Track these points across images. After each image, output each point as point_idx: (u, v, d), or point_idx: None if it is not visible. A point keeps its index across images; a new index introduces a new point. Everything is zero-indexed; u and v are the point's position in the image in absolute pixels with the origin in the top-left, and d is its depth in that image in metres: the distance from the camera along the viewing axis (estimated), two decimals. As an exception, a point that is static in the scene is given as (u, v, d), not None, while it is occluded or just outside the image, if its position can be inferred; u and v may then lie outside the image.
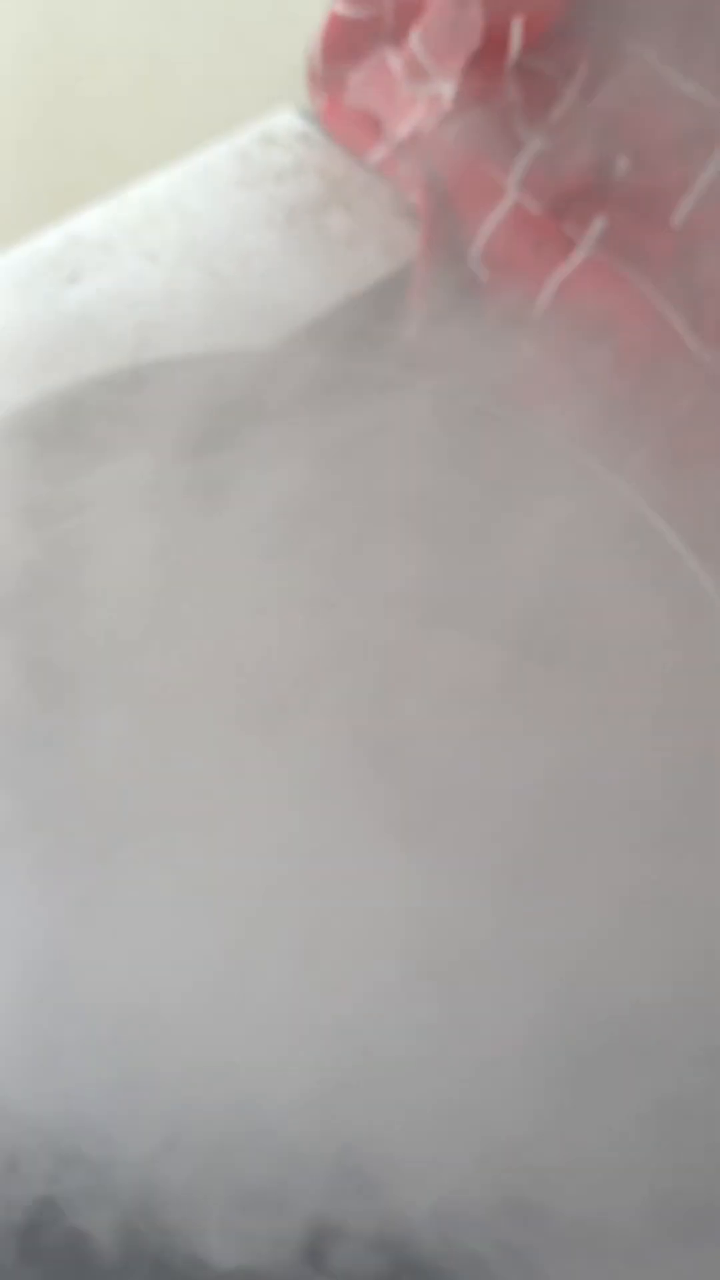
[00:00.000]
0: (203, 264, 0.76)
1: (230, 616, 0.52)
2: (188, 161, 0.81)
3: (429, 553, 0.61)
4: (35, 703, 0.47)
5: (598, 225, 0.67)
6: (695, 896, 0.42)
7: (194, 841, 0.42)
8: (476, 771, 0.45)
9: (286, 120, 0.85)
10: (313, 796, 0.43)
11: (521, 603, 0.59)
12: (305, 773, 0.44)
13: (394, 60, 0.74)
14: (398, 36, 0.74)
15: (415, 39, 0.63)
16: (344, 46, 0.76)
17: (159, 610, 0.52)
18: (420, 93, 0.66)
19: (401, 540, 0.61)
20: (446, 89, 0.63)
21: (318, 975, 0.39)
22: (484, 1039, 0.38)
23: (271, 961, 0.40)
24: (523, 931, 0.40)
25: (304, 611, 0.52)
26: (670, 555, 0.55)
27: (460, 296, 0.79)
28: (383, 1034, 0.39)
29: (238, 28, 1.02)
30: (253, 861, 0.42)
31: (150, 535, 0.53)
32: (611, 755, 0.46)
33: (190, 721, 0.46)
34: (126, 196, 0.79)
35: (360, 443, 0.60)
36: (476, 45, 0.59)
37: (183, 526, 0.54)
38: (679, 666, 0.54)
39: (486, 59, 0.60)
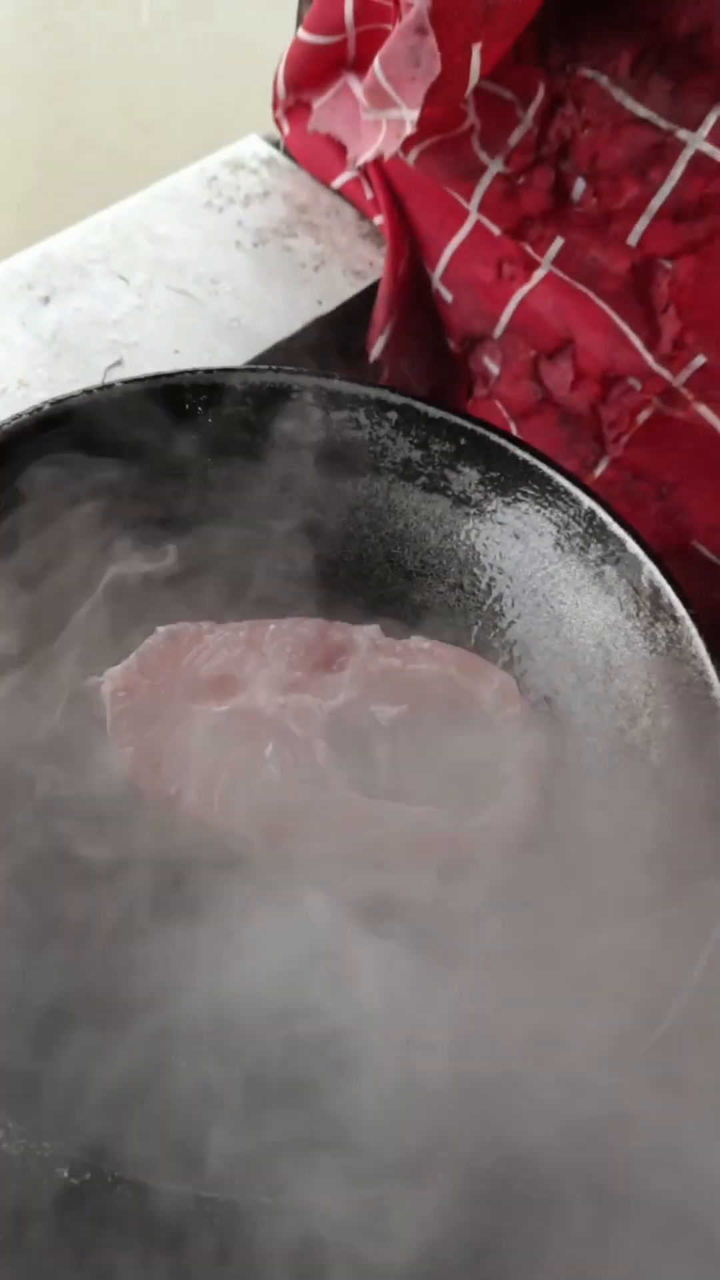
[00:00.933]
0: (173, 285, 0.77)
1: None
2: (158, 186, 0.83)
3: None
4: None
5: (557, 245, 0.69)
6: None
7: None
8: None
9: (253, 146, 0.87)
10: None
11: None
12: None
13: (357, 86, 0.76)
14: (360, 63, 0.76)
15: (377, 66, 0.65)
16: (308, 73, 0.78)
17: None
18: (383, 118, 0.68)
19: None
20: (409, 115, 0.65)
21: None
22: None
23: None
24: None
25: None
26: (630, 560, 0.57)
27: (424, 316, 0.81)
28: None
29: (207, 55, 1.04)
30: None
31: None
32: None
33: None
34: (98, 220, 0.80)
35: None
36: (437, 72, 0.61)
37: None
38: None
39: (447, 85, 0.62)
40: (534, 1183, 0.41)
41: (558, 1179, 0.41)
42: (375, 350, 0.80)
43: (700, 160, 0.60)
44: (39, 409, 0.57)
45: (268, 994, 0.46)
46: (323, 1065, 0.45)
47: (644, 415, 0.71)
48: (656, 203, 0.63)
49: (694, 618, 0.54)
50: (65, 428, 0.57)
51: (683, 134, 0.60)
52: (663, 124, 0.60)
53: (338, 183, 0.84)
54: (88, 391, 0.58)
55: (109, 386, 0.59)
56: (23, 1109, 0.41)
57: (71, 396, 0.58)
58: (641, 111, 0.61)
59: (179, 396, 0.60)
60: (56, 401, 0.58)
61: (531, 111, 0.65)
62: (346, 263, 0.81)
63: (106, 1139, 0.41)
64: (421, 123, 0.64)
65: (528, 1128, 0.41)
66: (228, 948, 0.48)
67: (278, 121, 0.84)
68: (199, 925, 0.50)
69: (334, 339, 0.80)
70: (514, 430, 0.78)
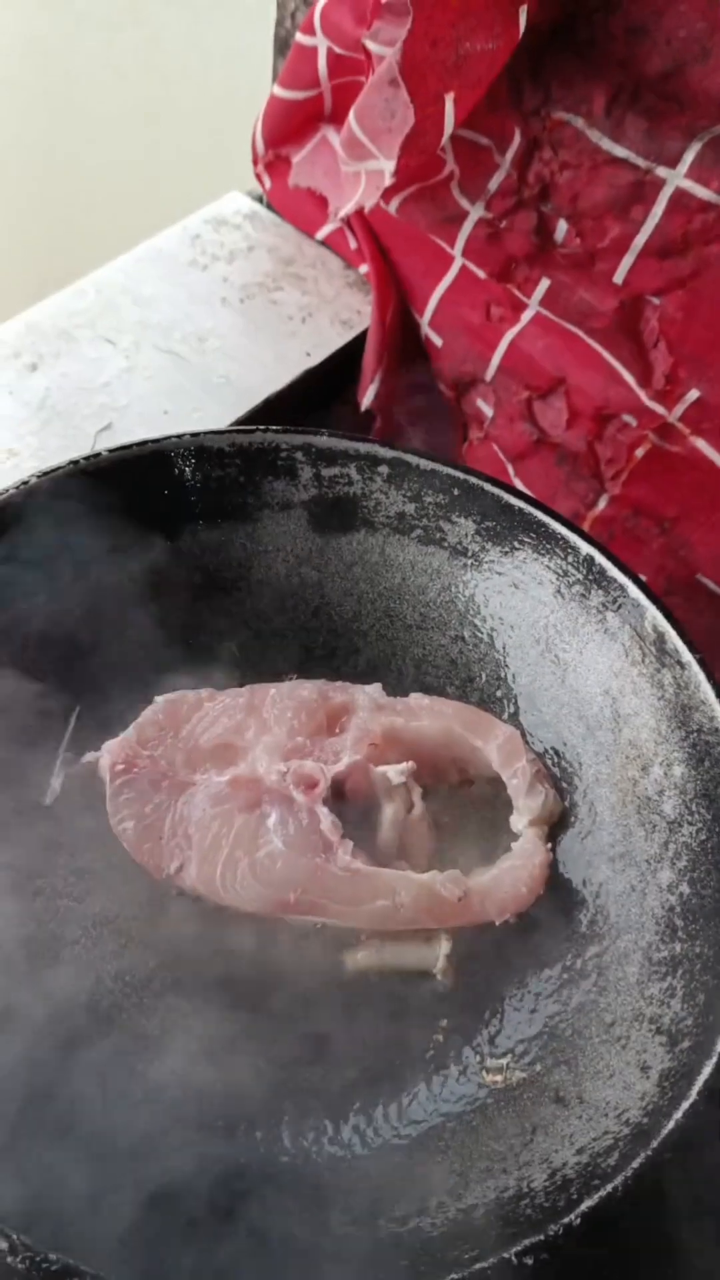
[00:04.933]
0: (160, 346, 0.77)
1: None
2: (141, 247, 0.83)
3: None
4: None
5: (543, 286, 0.68)
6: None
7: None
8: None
9: (236, 202, 0.87)
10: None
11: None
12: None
13: (334, 139, 0.76)
14: (337, 116, 0.76)
15: (352, 119, 0.64)
16: (285, 127, 0.78)
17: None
18: (361, 169, 0.68)
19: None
20: (386, 166, 0.64)
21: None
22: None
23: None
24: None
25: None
26: (632, 605, 0.55)
27: (415, 362, 0.81)
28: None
29: (186, 114, 1.04)
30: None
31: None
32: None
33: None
34: (81, 285, 0.80)
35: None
36: (411, 123, 0.60)
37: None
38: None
39: (422, 135, 0.62)
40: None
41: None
42: (366, 399, 0.79)
43: (681, 197, 0.59)
44: (25, 483, 0.56)
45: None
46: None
47: (641, 451, 0.70)
48: (640, 240, 0.62)
49: (701, 662, 0.53)
50: (52, 499, 0.57)
51: (661, 171, 0.59)
52: (641, 163, 0.60)
53: (321, 234, 0.84)
54: (74, 462, 0.57)
55: (95, 456, 0.58)
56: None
57: (58, 468, 0.57)
58: (619, 151, 0.60)
59: (167, 462, 0.59)
60: (43, 474, 0.57)
61: (509, 156, 0.65)
62: (334, 313, 0.81)
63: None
64: (400, 173, 0.64)
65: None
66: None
67: (259, 177, 0.84)
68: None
69: (325, 390, 0.79)
70: (511, 472, 0.77)
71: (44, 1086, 0.47)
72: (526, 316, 0.71)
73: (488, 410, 0.78)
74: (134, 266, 0.81)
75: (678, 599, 0.73)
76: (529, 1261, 0.39)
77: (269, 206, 0.86)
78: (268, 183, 0.84)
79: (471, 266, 0.72)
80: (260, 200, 0.87)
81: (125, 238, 0.82)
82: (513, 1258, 0.39)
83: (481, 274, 0.72)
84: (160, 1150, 0.46)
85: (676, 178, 0.59)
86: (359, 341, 0.79)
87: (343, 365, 0.79)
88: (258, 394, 0.76)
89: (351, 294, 0.82)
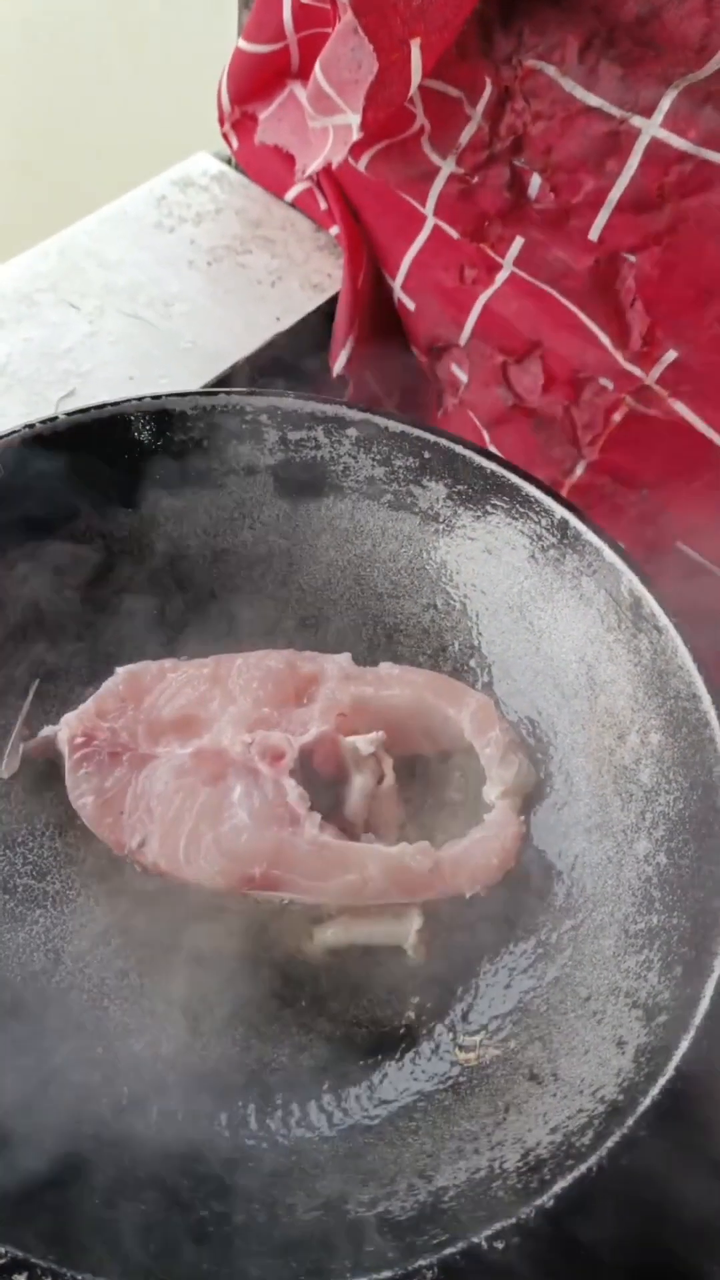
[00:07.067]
0: (125, 310, 0.75)
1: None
2: (105, 208, 0.81)
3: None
4: None
5: (517, 245, 0.66)
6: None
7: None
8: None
9: (203, 163, 0.85)
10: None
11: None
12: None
13: (302, 94, 0.74)
14: (304, 70, 0.74)
15: (318, 71, 0.62)
16: (251, 83, 0.76)
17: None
18: (329, 124, 0.66)
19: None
20: (354, 119, 0.62)
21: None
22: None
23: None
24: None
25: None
26: (607, 570, 0.54)
27: (388, 327, 0.79)
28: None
29: (151, 73, 1.01)
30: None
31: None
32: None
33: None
34: (44, 247, 0.78)
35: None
36: (374, 71, 0.58)
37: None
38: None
39: (388, 85, 0.59)
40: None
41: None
42: (338, 365, 0.77)
43: (657, 148, 0.57)
44: (-22, 447, 0.54)
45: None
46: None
47: (618, 415, 0.68)
48: (615, 194, 0.60)
49: (678, 626, 0.51)
50: (5, 466, 0.54)
51: (637, 121, 0.57)
52: (615, 112, 0.58)
53: (290, 195, 0.82)
54: (29, 426, 0.55)
55: (52, 419, 0.56)
56: None
57: (12, 433, 0.55)
58: (593, 100, 0.58)
59: (126, 425, 0.57)
60: (-2, 437, 0.55)
61: (480, 108, 0.63)
62: (304, 276, 0.79)
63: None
64: (367, 126, 0.62)
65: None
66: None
67: (225, 136, 0.81)
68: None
69: (295, 356, 0.77)
70: (487, 439, 0.75)
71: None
72: (501, 278, 0.69)
73: (462, 376, 0.76)
74: (98, 228, 0.79)
75: (656, 566, 0.71)
76: (500, 1245, 0.38)
77: (237, 168, 0.84)
78: (235, 142, 0.81)
79: (444, 226, 0.70)
80: (228, 162, 0.84)
81: (89, 199, 0.79)
82: (483, 1242, 0.38)
83: (454, 234, 0.69)
84: (119, 1136, 0.44)
85: (652, 127, 0.57)
86: (330, 306, 0.77)
87: (314, 330, 0.77)
88: (226, 359, 0.74)
89: (322, 257, 0.80)
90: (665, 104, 0.56)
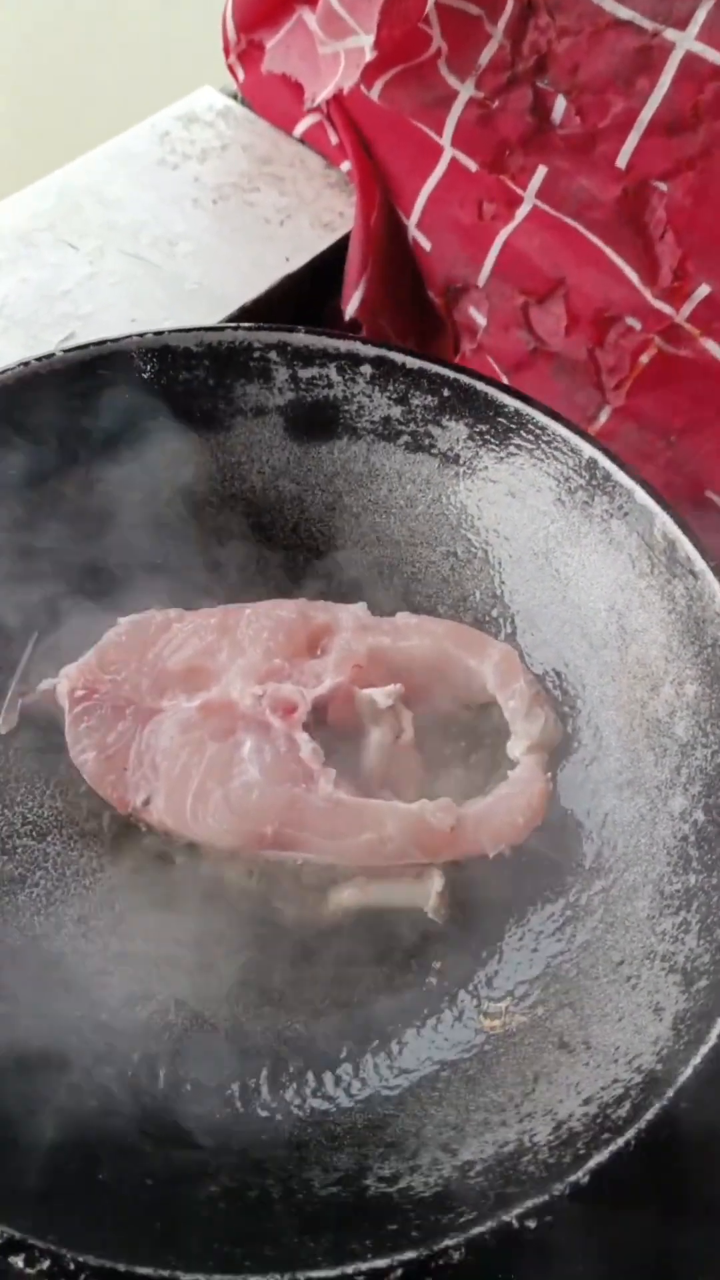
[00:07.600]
0: (127, 250, 0.71)
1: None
2: (106, 146, 0.77)
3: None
4: None
5: (539, 175, 0.63)
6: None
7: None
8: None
9: (208, 98, 0.81)
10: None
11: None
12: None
13: (311, 19, 0.70)
14: (313, -6, 0.70)
15: (329, -11, 0.59)
16: (258, 9, 0.72)
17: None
18: (340, 49, 0.62)
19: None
20: (366, 40, 0.59)
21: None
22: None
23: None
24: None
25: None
26: (639, 512, 0.50)
27: (402, 268, 0.75)
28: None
29: (155, 3, 0.97)
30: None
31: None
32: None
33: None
34: (42, 185, 0.74)
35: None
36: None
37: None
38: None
39: (404, 1, 0.56)
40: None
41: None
42: (351, 307, 0.74)
43: (691, 62, 0.54)
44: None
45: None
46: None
47: (646, 357, 0.65)
48: (646, 115, 0.57)
49: (715, 570, 0.48)
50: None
51: (670, 34, 0.54)
52: (647, 25, 0.54)
53: (300, 129, 0.78)
54: (24, 364, 0.52)
55: (49, 356, 0.53)
56: None
57: (5, 370, 0.52)
58: (623, 13, 0.55)
59: (127, 362, 0.54)
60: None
61: (502, 25, 0.59)
62: (314, 215, 0.75)
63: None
64: (380, 46, 0.58)
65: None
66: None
67: (231, 68, 0.78)
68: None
69: (305, 298, 0.74)
70: (506, 385, 0.72)
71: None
72: (522, 212, 0.66)
73: (480, 319, 0.73)
74: (99, 166, 0.75)
75: (686, 516, 0.68)
76: (531, 1225, 0.35)
77: (243, 102, 0.80)
78: (241, 74, 0.78)
79: (462, 158, 0.67)
80: (234, 96, 0.80)
81: (89, 135, 0.76)
82: (514, 1220, 0.35)
83: (473, 165, 0.66)
84: (123, 1109, 0.41)
85: (686, 40, 0.53)
86: (342, 245, 0.74)
87: (324, 271, 0.74)
88: (233, 301, 0.70)
89: (333, 194, 0.76)
90: (701, 14, 0.53)
